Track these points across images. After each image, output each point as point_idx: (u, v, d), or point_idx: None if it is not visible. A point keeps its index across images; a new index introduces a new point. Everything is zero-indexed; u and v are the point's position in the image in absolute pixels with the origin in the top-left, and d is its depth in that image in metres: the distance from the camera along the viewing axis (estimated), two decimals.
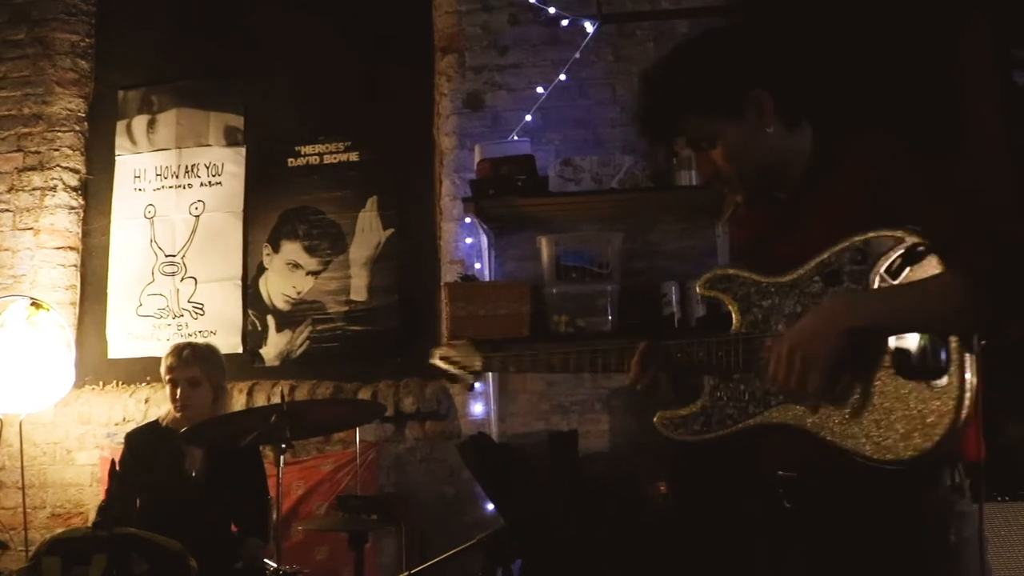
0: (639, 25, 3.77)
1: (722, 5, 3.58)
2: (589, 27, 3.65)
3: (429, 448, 3.80)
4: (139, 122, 4.30)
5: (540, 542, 3.32)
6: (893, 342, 1.45)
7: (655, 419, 1.68)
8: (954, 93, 3.17)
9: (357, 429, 3.45)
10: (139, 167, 4.27)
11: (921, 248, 1.43)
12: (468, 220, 3.69)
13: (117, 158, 4.30)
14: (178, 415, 3.18)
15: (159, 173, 4.24)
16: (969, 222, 1.42)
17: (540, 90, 3.70)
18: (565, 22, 3.72)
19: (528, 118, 3.72)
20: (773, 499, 1.64)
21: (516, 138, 3.67)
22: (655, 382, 1.77)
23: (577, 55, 3.65)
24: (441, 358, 2.20)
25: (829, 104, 1.73)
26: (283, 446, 2.60)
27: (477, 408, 3.75)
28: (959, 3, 3.29)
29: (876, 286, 1.48)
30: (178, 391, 3.17)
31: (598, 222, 3.66)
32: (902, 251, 1.45)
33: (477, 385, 3.76)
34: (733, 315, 1.65)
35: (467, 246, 3.79)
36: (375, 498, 3.05)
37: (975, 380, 1.39)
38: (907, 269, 1.44)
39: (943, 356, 1.40)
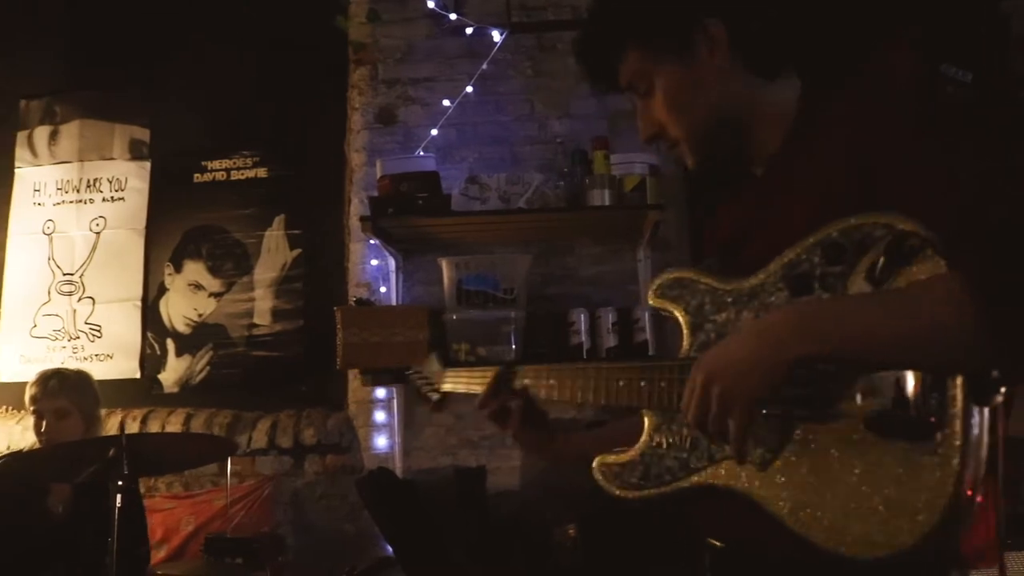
0: (559, 36, 3.57)
1: None
2: (496, 36, 3.45)
3: (330, 483, 3.56)
4: (41, 133, 4.09)
5: None
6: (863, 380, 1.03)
7: (594, 465, 1.34)
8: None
9: (228, 462, 3.21)
10: (39, 180, 4.05)
11: (914, 243, 0.99)
12: (373, 241, 3.47)
13: (16, 170, 4.08)
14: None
15: (60, 187, 4.03)
16: (986, 206, 0.95)
17: (447, 103, 3.50)
18: (470, 30, 3.52)
19: (434, 132, 3.51)
20: (694, 569, 1.31)
21: (422, 153, 3.46)
22: (504, 412, 1.56)
23: (485, 66, 3.45)
24: (407, 372, 1.88)
25: (822, 50, 1.36)
26: (119, 483, 2.36)
27: (381, 441, 3.52)
28: None
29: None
30: (43, 423, 2.94)
31: (510, 245, 3.45)
32: (892, 246, 1.01)
33: (381, 417, 3.54)
34: (683, 332, 1.28)
35: (373, 268, 3.57)
36: (244, 540, 2.81)
37: (988, 439, 0.96)
38: (899, 272, 1.00)
39: (935, 403, 0.96)
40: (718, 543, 1.26)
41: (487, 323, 3.19)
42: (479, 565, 3.16)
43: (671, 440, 1.26)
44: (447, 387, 1.74)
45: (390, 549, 3.33)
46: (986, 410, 0.95)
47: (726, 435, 1.09)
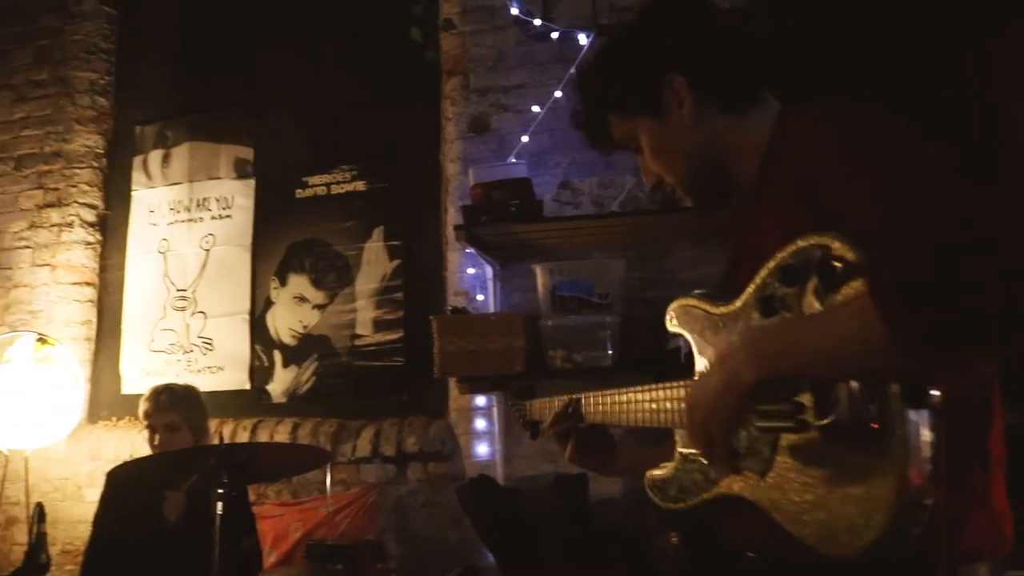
0: None
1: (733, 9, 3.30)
2: (583, 39, 3.42)
3: (432, 490, 3.59)
4: (154, 157, 4.29)
5: None
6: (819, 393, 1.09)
7: (645, 479, 1.46)
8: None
9: (328, 471, 3.27)
10: (153, 202, 4.26)
11: (839, 261, 1.05)
12: (469, 250, 3.49)
13: (133, 193, 4.30)
14: None
15: (172, 207, 4.21)
16: (898, 221, 1.03)
17: (536, 108, 3.49)
18: (555, 35, 3.50)
19: (525, 139, 3.50)
20: None
21: (515, 160, 3.46)
22: (565, 437, 1.75)
23: (574, 70, 3.41)
24: (512, 405, 2.07)
25: (791, 82, 1.45)
26: (219, 491, 2.43)
27: (482, 449, 3.53)
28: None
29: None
30: (156, 437, 3.07)
31: (605, 249, 3.41)
32: (823, 265, 1.07)
33: (482, 424, 3.55)
34: (694, 355, 1.39)
35: (470, 277, 3.59)
36: (344, 547, 2.86)
37: (932, 440, 1.00)
38: (839, 288, 1.06)
39: (876, 410, 1.01)
40: (751, 554, 1.32)
41: (582, 329, 3.15)
42: (580, 573, 3.13)
43: (696, 456, 1.34)
44: (535, 416, 1.90)
45: (491, 557, 3.34)
46: (926, 413, 1.00)
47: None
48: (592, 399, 1.68)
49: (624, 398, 1.54)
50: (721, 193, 1.46)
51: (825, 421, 1.06)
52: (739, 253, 1.40)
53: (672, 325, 1.43)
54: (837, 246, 1.06)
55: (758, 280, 1.21)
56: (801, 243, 1.11)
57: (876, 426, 1.01)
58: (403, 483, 3.61)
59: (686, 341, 1.42)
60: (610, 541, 3.26)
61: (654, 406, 1.43)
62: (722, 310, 1.31)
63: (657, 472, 1.43)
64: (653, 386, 1.45)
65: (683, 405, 1.31)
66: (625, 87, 1.43)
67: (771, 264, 1.18)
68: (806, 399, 1.10)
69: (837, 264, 1.05)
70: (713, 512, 1.35)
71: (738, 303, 1.26)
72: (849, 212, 1.09)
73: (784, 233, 1.16)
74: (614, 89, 1.45)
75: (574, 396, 1.74)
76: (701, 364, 1.35)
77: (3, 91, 4.44)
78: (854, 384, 1.03)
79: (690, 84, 1.37)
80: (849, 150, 1.14)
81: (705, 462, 1.30)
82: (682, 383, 1.37)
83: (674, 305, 1.42)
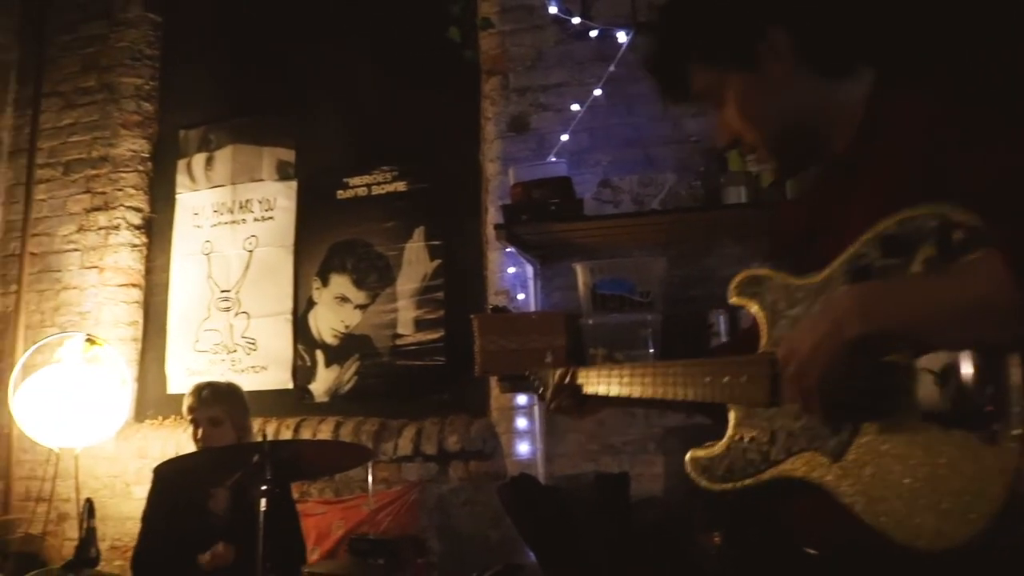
0: None
1: None
2: (622, 37, 3.41)
3: (473, 489, 3.60)
4: (198, 160, 4.36)
5: None
6: (925, 365, 1.02)
7: (686, 458, 1.38)
8: None
9: (370, 468, 3.29)
10: (198, 204, 4.32)
11: (962, 231, 1.00)
12: (509, 249, 3.50)
13: (177, 196, 4.37)
14: None
15: (215, 209, 4.28)
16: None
17: (576, 107, 3.48)
18: (594, 33, 3.49)
19: (565, 138, 3.50)
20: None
21: (554, 159, 3.46)
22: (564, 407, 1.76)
23: (613, 68, 3.42)
24: (529, 373, 2.05)
25: (893, 44, 1.37)
26: (263, 487, 2.46)
27: (523, 447, 3.53)
28: None
29: None
30: (200, 431, 3.12)
31: (646, 247, 3.40)
32: (942, 235, 1.02)
33: (523, 423, 3.55)
34: (761, 328, 1.33)
35: (511, 276, 3.60)
36: (386, 541, 2.87)
37: None
38: (954, 261, 1.01)
39: (992, 392, 0.94)
40: (813, 551, 1.25)
41: (623, 327, 3.14)
42: (621, 572, 3.11)
43: (753, 434, 1.28)
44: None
45: (532, 555, 3.34)
46: None
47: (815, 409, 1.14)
48: (597, 372, 1.65)
49: (673, 370, 1.45)
50: (807, 159, 1.37)
51: (929, 402, 1.00)
52: (819, 225, 1.32)
53: (737, 297, 1.36)
54: (959, 215, 1.00)
55: (851, 251, 1.15)
56: (911, 213, 1.06)
57: (991, 409, 0.94)
58: (445, 482, 3.63)
59: (750, 318, 1.35)
60: (652, 540, 3.25)
61: (708, 380, 1.36)
62: (803, 281, 1.24)
63: (702, 451, 1.36)
64: (704, 360, 1.39)
65: (746, 379, 1.27)
66: (720, 37, 1.32)
67: (868, 235, 1.12)
68: (903, 377, 1.03)
69: (958, 233, 1.00)
70: (768, 496, 1.29)
71: (824, 273, 1.20)
72: (972, 184, 1.02)
73: (885, 204, 1.11)
74: (706, 38, 1.34)
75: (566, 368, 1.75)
76: (775, 336, 1.29)
77: (52, 98, 4.53)
78: (968, 358, 0.96)
79: (792, 39, 1.27)
80: (967, 123, 1.08)
81: (764, 441, 1.25)
82: (750, 356, 1.31)
83: (741, 276, 1.35)
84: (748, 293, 1.34)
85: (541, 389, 1.89)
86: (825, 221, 1.29)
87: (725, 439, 1.33)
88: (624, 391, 1.58)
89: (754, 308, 1.33)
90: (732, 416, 1.34)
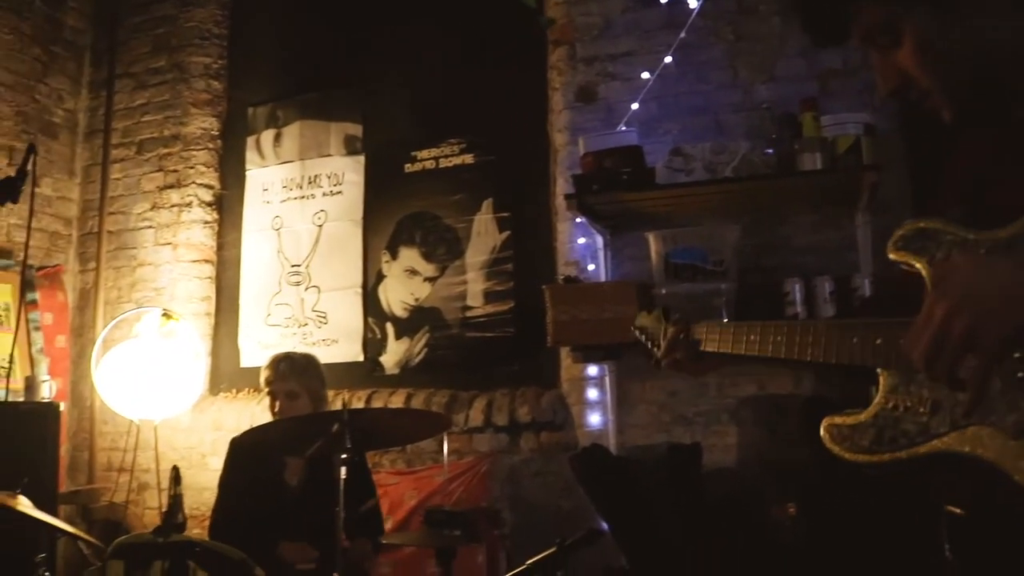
0: None
1: None
2: (693, 3, 3.35)
3: (544, 460, 3.61)
4: (267, 136, 4.41)
5: (653, 566, 3.07)
6: None
7: (823, 425, 1.24)
8: None
9: (445, 439, 3.31)
10: (267, 180, 4.38)
11: None
12: (580, 220, 3.48)
13: (247, 173, 4.43)
14: None
15: (285, 185, 4.33)
16: None
17: (646, 75, 3.44)
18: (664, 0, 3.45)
19: (635, 107, 3.46)
20: (928, 542, 1.23)
21: (624, 129, 3.43)
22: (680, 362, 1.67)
23: (683, 35, 3.37)
24: (635, 327, 1.92)
25: None
26: (343, 456, 2.49)
27: (594, 418, 3.53)
28: None
29: None
30: (277, 403, 3.16)
31: (718, 216, 3.35)
32: None
33: (594, 394, 3.54)
34: (928, 288, 1.14)
35: (581, 247, 3.59)
36: (461, 513, 2.89)
37: None
38: None
39: None
40: (958, 510, 1.15)
41: (697, 296, 3.12)
42: (693, 543, 3.10)
43: (909, 403, 1.15)
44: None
45: (605, 525, 3.35)
46: None
47: (957, 379, 0.98)
48: (724, 330, 1.53)
49: (817, 329, 1.32)
50: (996, 107, 1.22)
51: None
52: (988, 176, 1.19)
53: (898, 252, 1.19)
54: None
55: None
56: None
57: None
58: (516, 452, 3.65)
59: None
60: (724, 511, 3.23)
61: (857, 341, 1.22)
62: (987, 235, 1.09)
63: (841, 419, 1.22)
64: (850, 321, 1.27)
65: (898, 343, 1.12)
66: None
67: None
68: None
69: None
70: (918, 471, 1.18)
71: (1009, 229, 1.07)
72: None
73: None
74: None
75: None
76: None
77: (124, 79, 4.63)
78: None
79: None
80: None
81: (923, 411, 1.13)
82: (911, 318, 1.11)
83: (907, 228, 1.19)
84: (913, 248, 1.17)
85: (649, 344, 1.83)
86: (1003, 171, 1.17)
87: (873, 406, 1.20)
88: (752, 350, 1.44)
89: (920, 265, 1.16)
90: (883, 382, 1.20)
